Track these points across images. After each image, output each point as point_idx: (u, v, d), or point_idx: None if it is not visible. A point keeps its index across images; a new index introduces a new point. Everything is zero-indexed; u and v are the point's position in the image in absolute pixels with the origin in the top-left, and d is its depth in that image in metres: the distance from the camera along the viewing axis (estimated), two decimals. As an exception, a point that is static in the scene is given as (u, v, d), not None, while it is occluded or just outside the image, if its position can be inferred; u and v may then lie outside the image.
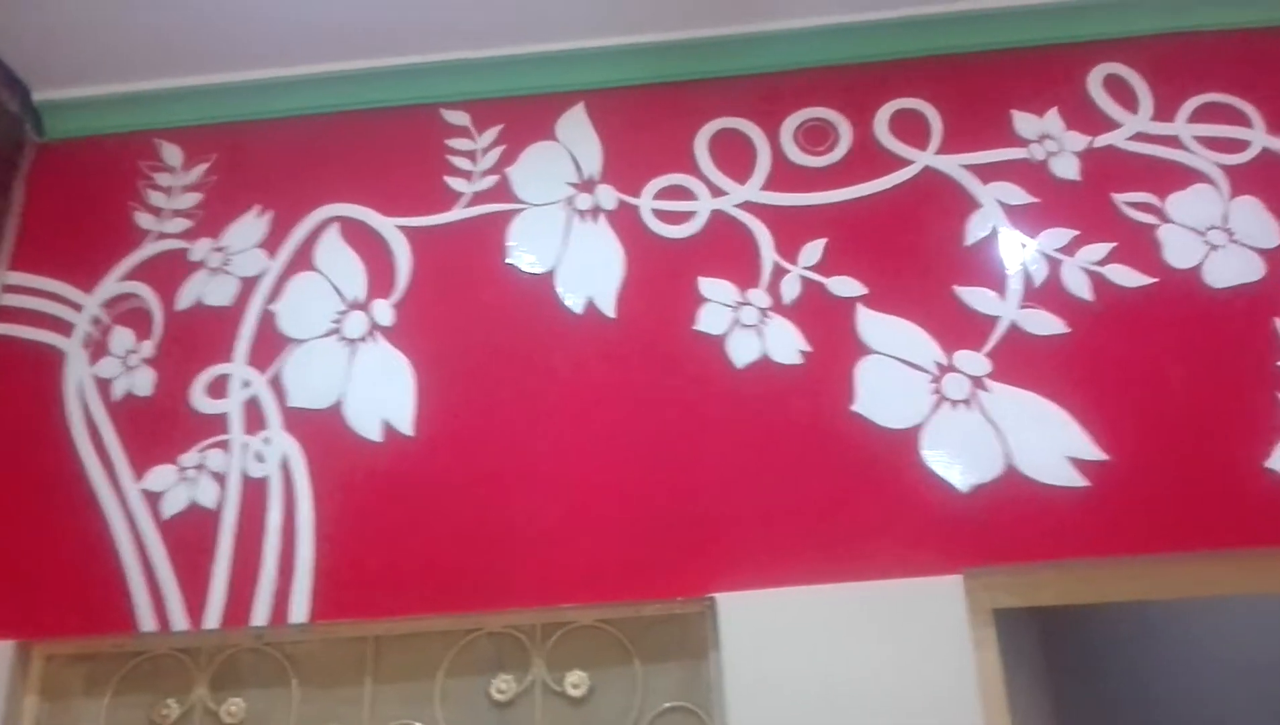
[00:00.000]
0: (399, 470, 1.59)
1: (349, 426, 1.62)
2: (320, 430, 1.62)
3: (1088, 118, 1.73)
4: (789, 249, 1.68)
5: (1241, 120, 1.70)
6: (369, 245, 1.75)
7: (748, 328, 1.63)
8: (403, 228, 1.75)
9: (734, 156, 1.76)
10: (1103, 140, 1.71)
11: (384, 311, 1.69)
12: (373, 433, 1.61)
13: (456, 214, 1.75)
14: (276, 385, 1.66)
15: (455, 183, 1.78)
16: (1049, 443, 1.51)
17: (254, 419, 1.65)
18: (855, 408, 1.56)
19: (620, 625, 1.52)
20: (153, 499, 1.61)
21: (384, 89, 1.85)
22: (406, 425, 1.61)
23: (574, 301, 1.67)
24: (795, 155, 1.75)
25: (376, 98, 1.85)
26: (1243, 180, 1.66)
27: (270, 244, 1.77)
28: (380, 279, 1.72)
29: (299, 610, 1.52)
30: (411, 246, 1.74)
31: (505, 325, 1.67)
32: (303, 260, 1.75)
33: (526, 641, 1.53)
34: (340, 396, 1.64)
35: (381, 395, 1.63)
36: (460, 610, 1.51)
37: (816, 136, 1.76)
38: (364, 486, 1.58)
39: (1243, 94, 1.72)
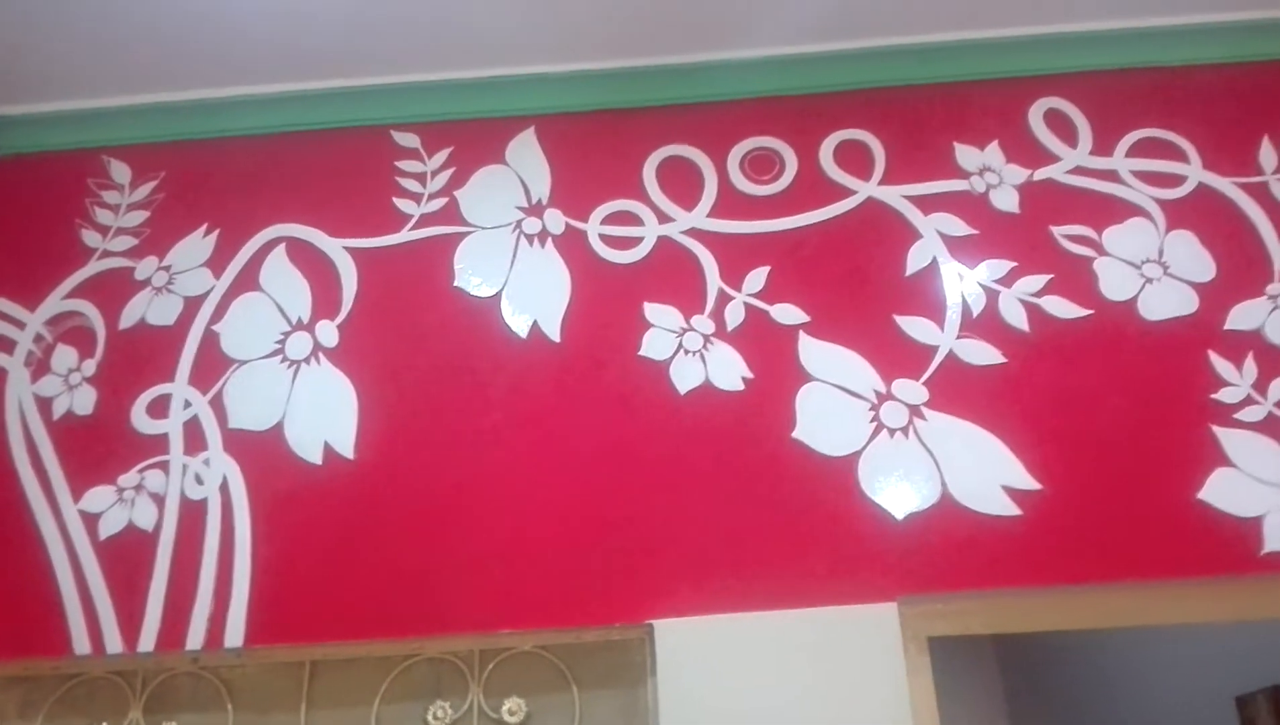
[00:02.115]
0: (339, 493, 1.58)
1: (289, 448, 1.61)
2: (260, 452, 1.62)
3: (1028, 151, 1.75)
4: (734, 276, 1.69)
5: (1178, 155, 1.74)
6: (315, 266, 1.75)
7: (691, 354, 1.64)
8: (350, 249, 1.75)
9: (681, 183, 1.77)
10: (1042, 173, 1.73)
11: (328, 332, 1.69)
12: (313, 455, 1.60)
13: (404, 236, 1.75)
14: (218, 406, 1.65)
15: (404, 205, 1.78)
16: (984, 471, 1.53)
17: (194, 440, 1.64)
18: (795, 434, 1.57)
19: (558, 651, 1.52)
20: (90, 520, 1.60)
21: (335, 110, 1.85)
22: (347, 448, 1.61)
23: (519, 325, 1.68)
24: (742, 183, 1.77)
25: (327, 119, 1.85)
26: (1178, 215, 1.69)
27: (216, 263, 1.76)
28: (325, 300, 1.72)
29: (234, 634, 1.51)
30: (358, 267, 1.73)
31: (449, 348, 1.67)
32: (248, 280, 1.74)
33: (464, 667, 1.52)
34: (281, 418, 1.63)
35: (323, 417, 1.63)
36: (398, 635, 1.50)
37: (763, 165, 1.78)
38: (303, 509, 1.58)
39: (1180, 129, 1.75)
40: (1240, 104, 1.78)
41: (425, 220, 1.77)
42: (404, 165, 1.81)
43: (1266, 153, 1.73)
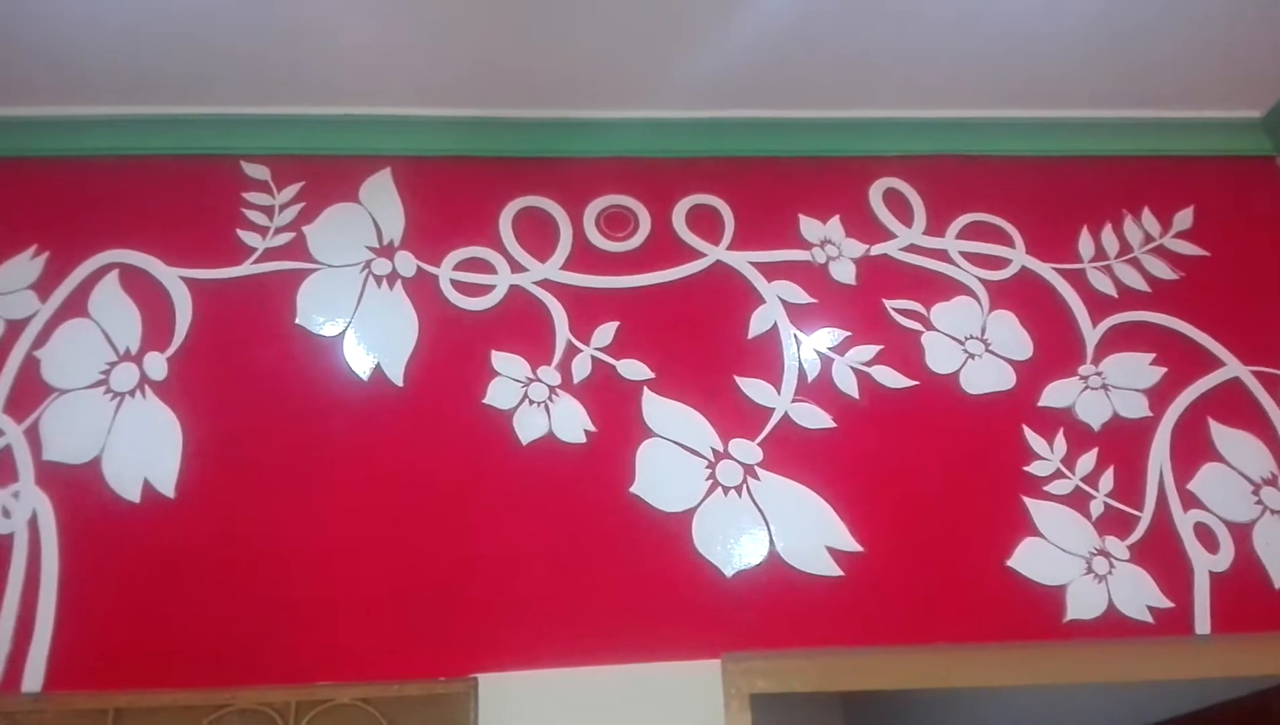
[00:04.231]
0: (156, 533, 1.51)
1: (106, 484, 1.54)
2: (75, 487, 1.54)
3: (867, 227, 1.84)
4: (583, 329, 1.71)
5: (1005, 240, 1.85)
6: (148, 295, 1.68)
7: (536, 404, 1.65)
8: (187, 279, 1.69)
9: (537, 234, 1.79)
10: (878, 249, 1.82)
11: (157, 365, 1.62)
12: (131, 492, 1.53)
13: (246, 269, 1.71)
14: (33, 436, 1.57)
15: (248, 237, 1.74)
16: (810, 532, 1.57)
17: (4, 471, 1.54)
18: (633, 489, 1.59)
19: (380, 704, 1.47)
20: (-114, 553, 1.49)
21: (182, 136, 1.80)
22: (168, 486, 1.54)
23: (361, 367, 1.65)
24: (596, 239, 1.79)
25: (173, 145, 1.80)
26: (1002, 295, 1.80)
27: (43, 287, 1.68)
28: (157, 331, 1.66)
29: (34, 678, 1.42)
30: (194, 299, 1.68)
31: (285, 387, 1.63)
32: (76, 306, 1.67)
33: (279, 719, 1.46)
34: (100, 452, 1.56)
35: (144, 453, 1.56)
36: (209, 684, 1.44)
37: (618, 222, 1.81)
38: (116, 549, 1.50)
39: (1007, 216, 1.87)
40: (1064, 196, 1.91)
41: (270, 254, 1.73)
42: (251, 197, 1.77)
43: (1085, 242, 1.86)
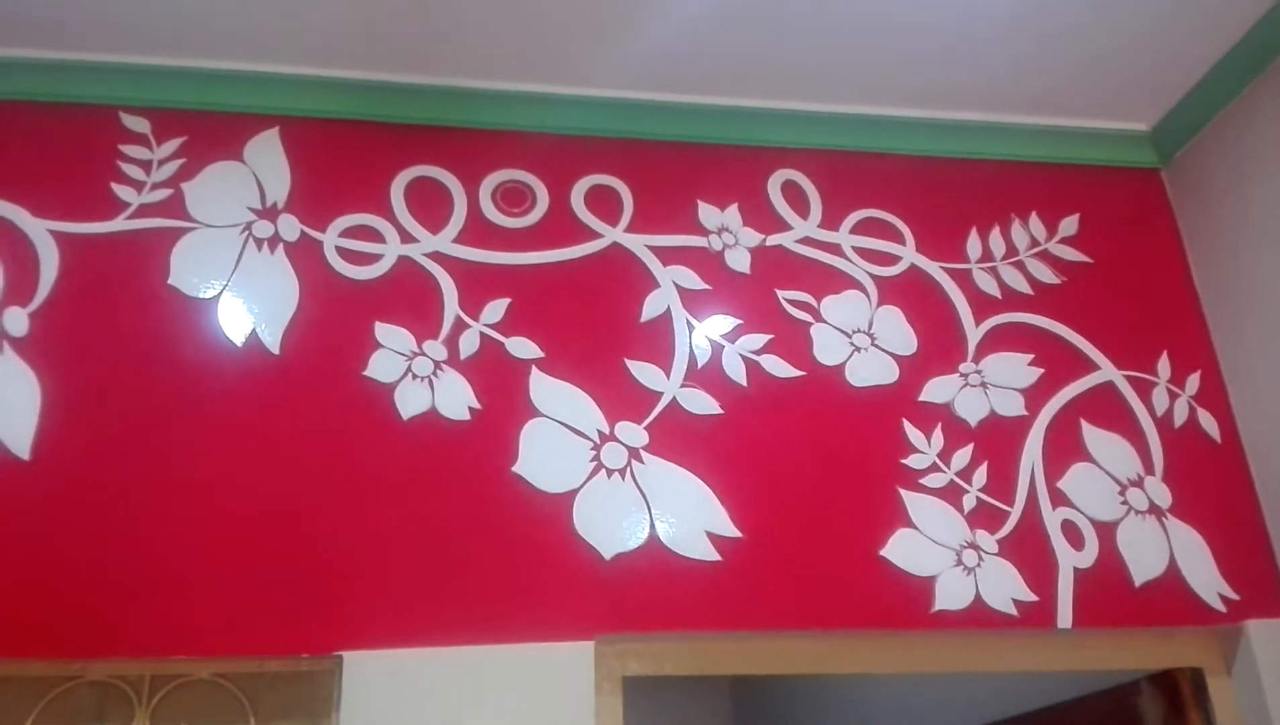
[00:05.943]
0: (7, 496, 1.44)
1: (-46, 444, 1.46)
2: (-79, 445, 1.45)
3: (764, 217, 1.84)
4: (473, 304, 1.68)
5: (896, 237, 1.87)
6: (12, 247, 1.59)
7: (419, 379, 1.61)
8: (54, 232, 1.60)
9: (430, 205, 1.75)
10: (774, 239, 1.82)
11: (17, 321, 1.53)
12: (-19, 453, 1.46)
13: (118, 224, 1.63)
14: (-124, 390, 1.47)
15: (123, 191, 1.65)
16: (691, 516, 1.57)
17: None
18: (515, 469, 1.57)
19: (239, 681, 1.43)
20: None
21: (58, 82, 1.70)
22: (23, 448, 1.46)
23: (236, 332, 1.59)
24: (492, 213, 1.76)
25: (48, 91, 1.70)
26: (890, 291, 1.82)
27: (-104, 235, 1.58)
28: (20, 285, 1.56)
29: None
30: (61, 253, 1.59)
31: (155, 350, 1.56)
32: (-69, 256, 1.57)
33: (132, 694, 1.41)
34: (-50, 409, 1.47)
35: (-1, 412, 1.48)
36: (57, 655, 1.38)
37: (515, 198, 1.78)
38: (-38, 511, 1.43)
39: (900, 213, 1.89)
40: (955, 197, 1.94)
41: (145, 211, 1.65)
42: (129, 150, 1.68)
43: (973, 243, 1.90)
